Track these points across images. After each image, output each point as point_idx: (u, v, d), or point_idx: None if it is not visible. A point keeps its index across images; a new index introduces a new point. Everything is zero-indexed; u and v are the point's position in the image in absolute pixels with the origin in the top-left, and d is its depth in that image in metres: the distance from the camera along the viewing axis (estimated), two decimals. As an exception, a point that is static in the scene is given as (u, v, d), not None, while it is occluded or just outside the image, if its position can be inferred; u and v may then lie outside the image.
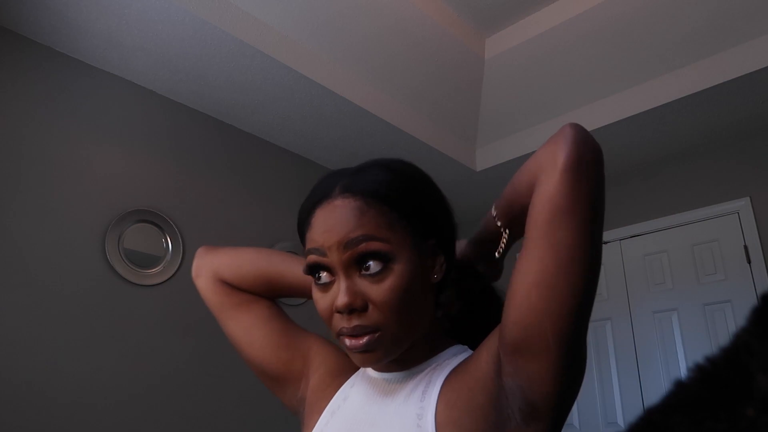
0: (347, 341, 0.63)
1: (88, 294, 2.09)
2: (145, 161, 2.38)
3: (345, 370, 0.78)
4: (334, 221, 0.64)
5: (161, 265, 2.32)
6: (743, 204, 2.76)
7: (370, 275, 0.62)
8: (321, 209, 0.66)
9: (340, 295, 0.62)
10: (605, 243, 3.17)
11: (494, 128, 3.11)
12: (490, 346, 0.62)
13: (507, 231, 0.69)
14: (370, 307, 0.62)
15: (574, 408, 3.07)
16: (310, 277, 0.67)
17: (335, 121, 2.70)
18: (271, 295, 0.85)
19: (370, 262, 0.62)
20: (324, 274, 0.64)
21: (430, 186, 0.71)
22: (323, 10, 2.33)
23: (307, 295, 0.79)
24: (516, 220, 0.65)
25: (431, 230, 0.68)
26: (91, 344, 2.06)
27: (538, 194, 0.57)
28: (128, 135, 2.35)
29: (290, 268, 0.82)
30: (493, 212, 0.70)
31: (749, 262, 2.69)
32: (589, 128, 2.95)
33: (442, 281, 0.69)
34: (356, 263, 0.62)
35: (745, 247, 2.72)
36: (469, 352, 0.69)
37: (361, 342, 0.62)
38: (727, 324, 2.69)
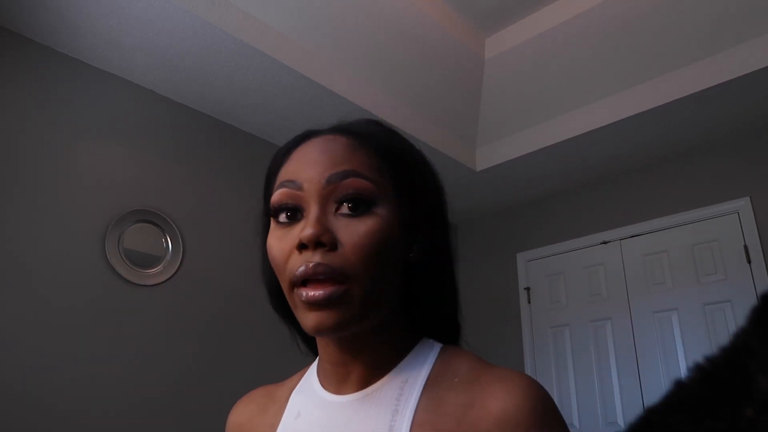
0: (304, 292, 0.52)
1: (88, 294, 2.09)
2: (145, 161, 2.38)
3: (272, 407, 0.65)
4: (319, 153, 0.56)
5: (161, 265, 2.32)
6: (743, 204, 2.76)
7: (348, 214, 0.54)
8: (303, 145, 0.59)
9: (307, 226, 0.52)
10: (605, 243, 3.17)
11: (494, 128, 3.11)
12: None
13: None
14: (339, 249, 0.52)
15: (574, 407, 3.07)
16: None
17: (335, 121, 2.69)
18: None
19: (352, 201, 0.54)
20: (289, 215, 0.55)
21: (425, 160, 0.64)
22: (323, 10, 2.33)
23: None
24: None
25: (419, 201, 0.59)
26: (91, 344, 2.06)
27: None
28: (128, 135, 2.35)
29: None
30: None
31: (749, 262, 2.69)
32: (589, 128, 2.97)
33: (416, 269, 0.59)
34: (335, 201, 0.54)
35: (745, 247, 2.72)
36: (434, 351, 0.60)
37: (322, 292, 0.51)
38: (727, 324, 2.69)
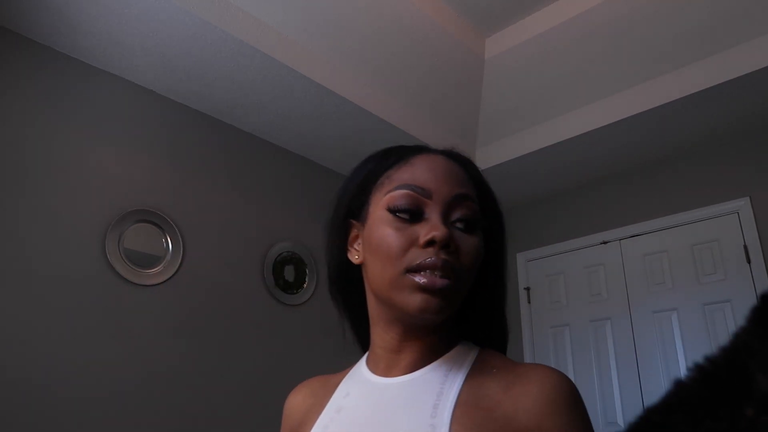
0: (421, 278, 0.60)
1: (88, 294, 2.09)
2: (146, 161, 2.38)
3: (322, 391, 0.72)
4: (447, 171, 0.66)
5: (161, 265, 2.32)
6: (743, 204, 2.76)
7: (461, 228, 0.64)
8: (424, 156, 0.68)
9: (437, 228, 0.61)
10: (605, 243, 3.17)
11: (494, 128, 3.11)
12: None
13: None
14: (456, 253, 0.63)
15: (574, 408, 3.07)
16: None
17: (335, 121, 2.70)
18: None
19: (467, 219, 0.64)
20: (410, 213, 0.63)
21: (498, 206, 0.73)
22: (323, 10, 2.33)
23: None
24: None
25: (492, 237, 0.69)
26: (91, 344, 2.06)
27: None
28: (128, 135, 2.35)
29: None
30: None
31: (749, 262, 2.69)
32: (589, 128, 2.97)
33: (477, 284, 0.68)
34: (453, 214, 0.64)
35: (745, 247, 2.72)
36: (474, 350, 0.67)
37: (442, 280, 0.60)
38: (727, 324, 2.69)
